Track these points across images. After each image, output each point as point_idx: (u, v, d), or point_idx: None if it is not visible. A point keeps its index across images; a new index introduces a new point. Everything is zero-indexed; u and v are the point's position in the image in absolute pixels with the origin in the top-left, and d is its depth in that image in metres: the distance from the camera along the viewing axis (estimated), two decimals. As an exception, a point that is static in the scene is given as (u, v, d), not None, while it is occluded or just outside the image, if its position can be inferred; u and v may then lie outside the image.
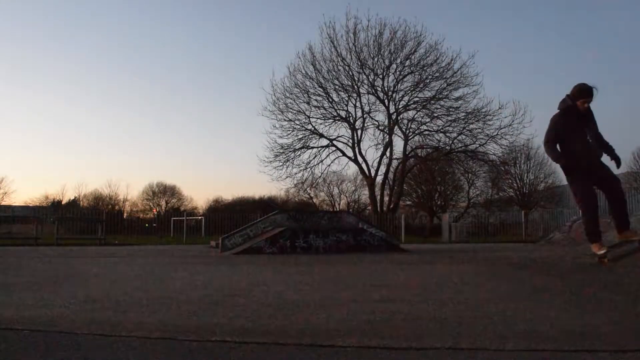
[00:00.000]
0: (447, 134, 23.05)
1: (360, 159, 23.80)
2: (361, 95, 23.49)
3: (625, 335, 1.84)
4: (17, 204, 36.48)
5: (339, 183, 41.00)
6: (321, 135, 23.63)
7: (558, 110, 4.73)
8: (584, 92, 4.55)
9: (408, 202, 34.30)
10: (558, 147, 4.74)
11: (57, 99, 62.90)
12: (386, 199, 25.24)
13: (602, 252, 4.58)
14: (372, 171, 24.03)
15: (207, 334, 1.83)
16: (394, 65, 22.86)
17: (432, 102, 22.69)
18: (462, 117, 22.47)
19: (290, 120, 23.26)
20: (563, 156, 4.71)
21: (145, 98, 65.14)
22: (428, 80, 22.64)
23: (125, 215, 35.73)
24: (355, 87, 23.31)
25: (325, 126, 23.74)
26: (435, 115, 22.96)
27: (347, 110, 23.66)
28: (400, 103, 23.49)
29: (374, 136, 24.66)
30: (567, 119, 4.65)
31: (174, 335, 1.82)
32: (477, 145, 22.76)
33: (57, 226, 15.83)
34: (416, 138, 24.16)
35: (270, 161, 23.30)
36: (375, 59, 22.82)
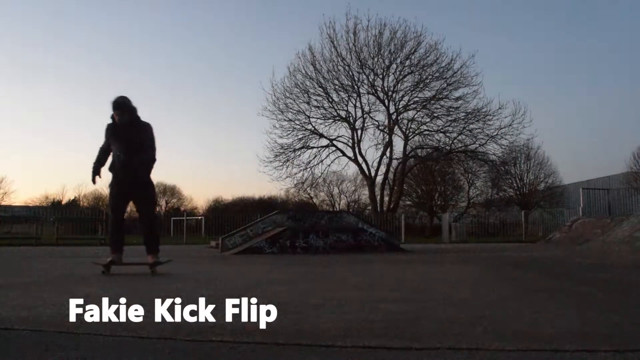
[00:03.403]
0: (447, 134, 23.06)
1: (360, 159, 23.79)
2: (361, 95, 23.50)
3: (625, 335, 1.84)
4: (17, 204, 36.35)
5: (339, 183, 40.81)
6: (321, 135, 23.63)
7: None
8: (112, 105, 4.67)
9: (408, 202, 34.23)
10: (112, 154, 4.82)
11: (57, 99, 62.77)
12: (386, 199, 25.24)
13: (108, 259, 4.64)
14: (372, 171, 24.03)
15: (207, 334, 1.83)
16: (394, 65, 22.86)
17: (432, 102, 22.69)
18: (462, 117, 22.48)
19: (290, 120, 23.24)
20: (99, 163, 4.81)
21: (145, 97, 64.96)
22: (428, 80, 22.65)
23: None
24: (355, 87, 23.31)
25: (325, 126, 23.74)
26: (435, 115, 22.98)
27: (347, 110, 23.66)
28: (400, 103, 23.49)
29: (374, 136, 24.60)
30: (113, 127, 4.78)
31: (174, 335, 1.82)
32: (477, 145, 22.78)
33: (57, 226, 15.84)
34: (416, 138, 24.18)
35: (270, 161, 23.29)
36: (375, 59, 22.82)
